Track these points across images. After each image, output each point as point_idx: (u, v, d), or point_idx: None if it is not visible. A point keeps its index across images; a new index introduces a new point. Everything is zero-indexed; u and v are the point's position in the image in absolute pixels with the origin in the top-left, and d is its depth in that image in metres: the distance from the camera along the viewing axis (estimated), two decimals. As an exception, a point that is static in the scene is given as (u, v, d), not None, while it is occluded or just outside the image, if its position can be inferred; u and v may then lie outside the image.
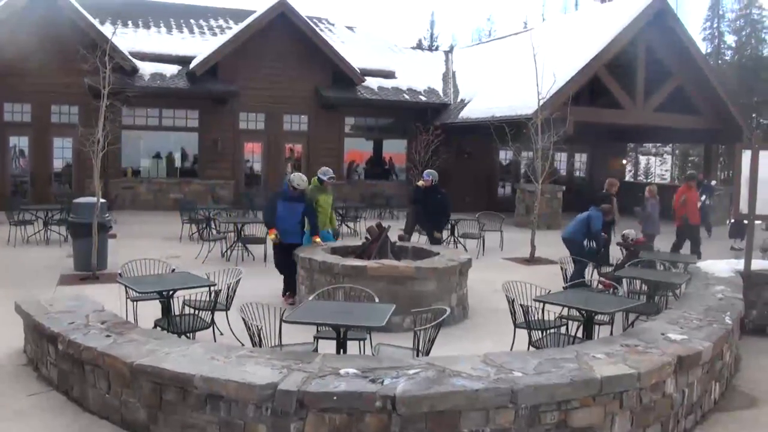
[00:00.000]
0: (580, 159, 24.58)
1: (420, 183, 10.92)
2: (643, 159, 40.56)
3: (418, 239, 11.66)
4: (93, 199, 9.70)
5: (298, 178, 8.31)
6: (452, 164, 19.40)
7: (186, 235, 13.15)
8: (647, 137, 26.87)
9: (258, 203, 16.69)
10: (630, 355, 4.46)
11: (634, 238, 9.64)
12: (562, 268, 8.40)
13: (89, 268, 9.29)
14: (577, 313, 6.02)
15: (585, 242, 8.92)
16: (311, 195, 8.74)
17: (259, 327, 4.96)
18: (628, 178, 30.62)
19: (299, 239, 8.41)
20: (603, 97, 18.64)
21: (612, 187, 11.32)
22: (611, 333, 6.23)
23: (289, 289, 8.23)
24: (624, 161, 27.45)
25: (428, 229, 10.93)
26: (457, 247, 12.38)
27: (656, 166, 40.45)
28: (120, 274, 6.66)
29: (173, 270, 7.02)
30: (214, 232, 12.43)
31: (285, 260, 8.18)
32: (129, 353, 4.39)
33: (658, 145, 36.22)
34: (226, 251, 11.12)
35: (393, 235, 8.85)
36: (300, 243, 8.37)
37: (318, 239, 8.48)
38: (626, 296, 7.47)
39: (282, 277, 8.40)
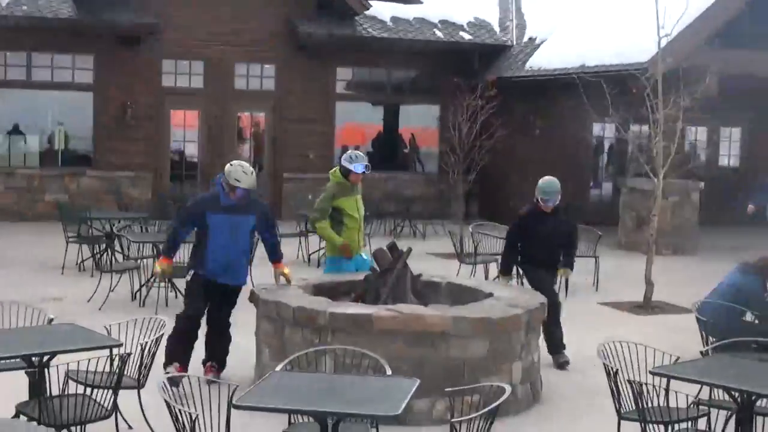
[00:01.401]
0: (730, 137, 24.48)
1: (542, 207, 9.48)
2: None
3: (473, 272, 11.60)
4: None
5: (239, 170, 7.91)
6: (515, 146, 19.37)
7: (73, 263, 13.20)
8: None
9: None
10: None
11: None
12: (698, 320, 8.33)
13: None
14: (727, 396, 5.96)
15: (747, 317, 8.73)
16: (329, 196, 9.13)
17: (193, 416, 4.96)
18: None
19: (244, 278, 8.42)
20: None
21: None
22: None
23: (215, 358, 8.22)
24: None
25: (549, 267, 10.00)
26: (522, 283, 12.31)
27: None
28: (-39, 327, 6.67)
29: (51, 320, 7.01)
30: (120, 257, 12.47)
31: (217, 314, 8.21)
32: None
33: None
34: (140, 289, 11.16)
35: (417, 265, 8.84)
36: (244, 284, 8.39)
37: (285, 269, 8.32)
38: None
39: (202, 338, 8.31)
